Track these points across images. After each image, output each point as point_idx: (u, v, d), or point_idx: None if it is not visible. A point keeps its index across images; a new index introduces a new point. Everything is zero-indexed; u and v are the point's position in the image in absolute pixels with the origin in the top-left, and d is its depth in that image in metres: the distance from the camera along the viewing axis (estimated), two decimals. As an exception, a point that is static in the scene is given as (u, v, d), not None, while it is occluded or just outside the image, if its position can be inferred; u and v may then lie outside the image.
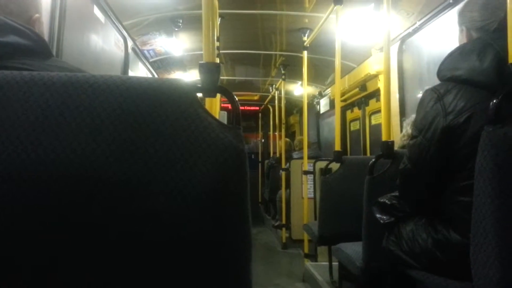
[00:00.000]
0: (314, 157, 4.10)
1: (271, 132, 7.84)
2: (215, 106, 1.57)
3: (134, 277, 0.63)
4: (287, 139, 6.10)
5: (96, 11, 2.56)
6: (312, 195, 3.76)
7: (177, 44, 4.11)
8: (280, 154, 5.37)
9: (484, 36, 1.28)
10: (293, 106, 7.51)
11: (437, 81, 1.38)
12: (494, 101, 1.05)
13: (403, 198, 1.47)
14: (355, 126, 4.85)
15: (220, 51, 3.87)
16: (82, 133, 0.63)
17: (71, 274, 0.62)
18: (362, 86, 4.09)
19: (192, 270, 0.64)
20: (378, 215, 1.53)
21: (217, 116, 0.94)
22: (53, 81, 0.65)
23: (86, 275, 0.62)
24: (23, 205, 0.60)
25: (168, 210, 0.63)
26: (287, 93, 5.73)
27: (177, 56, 4.49)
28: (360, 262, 1.84)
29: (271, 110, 7.27)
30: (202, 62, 0.79)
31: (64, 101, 0.64)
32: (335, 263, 2.65)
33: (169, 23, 3.60)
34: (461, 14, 1.40)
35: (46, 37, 1.71)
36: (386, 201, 1.52)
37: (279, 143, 5.64)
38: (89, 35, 2.50)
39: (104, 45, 2.75)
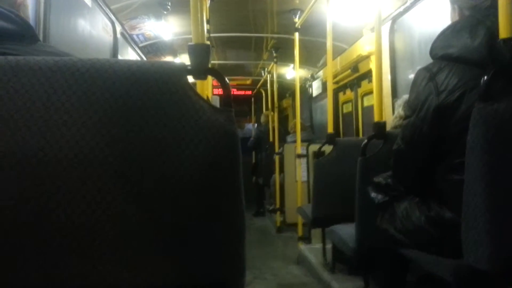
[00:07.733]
0: (307, 140, 4.10)
1: (264, 117, 7.80)
2: (207, 91, 1.55)
3: (129, 260, 0.63)
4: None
5: (83, -5, 2.50)
6: (305, 179, 3.77)
7: (167, 28, 4.04)
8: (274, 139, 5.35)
9: (475, 14, 1.27)
10: (285, 90, 7.46)
11: (428, 61, 1.38)
12: (485, 77, 1.05)
13: (397, 178, 1.48)
14: (347, 108, 4.85)
15: (211, 35, 3.81)
16: (71, 118, 0.62)
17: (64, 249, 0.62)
18: (354, 67, 4.07)
19: (186, 251, 0.64)
20: (373, 194, 1.54)
21: (208, 100, 0.93)
22: (40, 66, 0.63)
23: (79, 260, 0.62)
24: (10, 189, 0.60)
25: (161, 194, 0.63)
26: (279, 76, 5.69)
27: (167, 40, 4.42)
28: (353, 243, 1.86)
29: (263, 94, 7.23)
30: (191, 43, 0.78)
31: (52, 85, 0.63)
32: (328, 245, 2.68)
33: (158, 6, 3.53)
34: None
35: (31, 21, 1.67)
36: (381, 180, 1.53)
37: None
38: (76, 19, 2.44)
39: (92, 30, 2.69)
